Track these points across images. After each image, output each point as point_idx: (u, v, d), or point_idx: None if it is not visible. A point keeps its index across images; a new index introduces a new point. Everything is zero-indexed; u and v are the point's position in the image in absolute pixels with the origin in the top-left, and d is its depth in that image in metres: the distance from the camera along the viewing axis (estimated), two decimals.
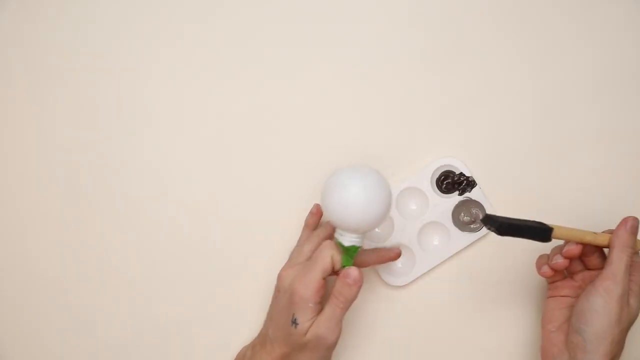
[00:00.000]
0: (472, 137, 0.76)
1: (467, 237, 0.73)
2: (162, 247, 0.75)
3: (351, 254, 0.65)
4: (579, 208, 0.75)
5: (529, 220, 0.65)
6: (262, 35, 0.76)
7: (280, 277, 0.68)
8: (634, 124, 0.75)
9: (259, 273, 0.74)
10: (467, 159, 0.75)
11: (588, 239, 0.65)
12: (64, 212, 0.76)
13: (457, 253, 0.74)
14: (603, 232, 0.67)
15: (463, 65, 0.76)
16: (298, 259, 0.69)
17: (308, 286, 0.64)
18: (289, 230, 0.74)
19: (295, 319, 0.64)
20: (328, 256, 0.64)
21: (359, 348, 0.74)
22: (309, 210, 0.73)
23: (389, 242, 0.74)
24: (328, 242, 0.65)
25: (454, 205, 0.74)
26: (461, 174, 0.74)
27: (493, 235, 0.74)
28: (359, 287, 0.64)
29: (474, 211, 0.74)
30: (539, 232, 0.64)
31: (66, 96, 0.77)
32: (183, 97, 0.77)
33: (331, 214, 0.64)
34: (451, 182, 0.74)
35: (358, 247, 0.65)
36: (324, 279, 0.64)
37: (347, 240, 0.65)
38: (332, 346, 0.64)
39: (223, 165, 0.76)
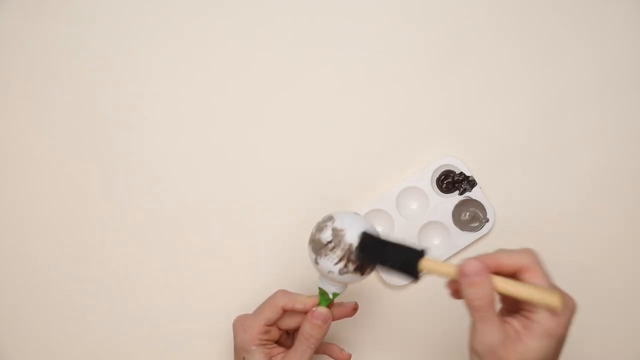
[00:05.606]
0: (472, 137, 0.76)
1: (468, 237, 0.73)
2: (162, 248, 0.75)
3: (331, 299, 0.64)
4: (578, 208, 0.75)
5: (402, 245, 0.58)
6: (262, 36, 0.76)
7: (233, 324, 0.67)
8: (634, 124, 0.75)
9: (259, 273, 0.74)
10: (467, 159, 0.75)
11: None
12: (63, 212, 0.76)
13: (457, 252, 0.73)
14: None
15: (463, 65, 0.76)
16: None
17: (247, 330, 0.64)
18: (295, 231, 0.73)
19: None
20: (277, 307, 0.64)
21: (359, 348, 0.74)
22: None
23: None
24: (280, 290, 0.65)
25: (454, 205, 0.74)
26: (461, 174, 0.74)
27: (494, 235, 0.74)
28: (329, 325, 0.64)
29: (474, 211, 0.74)
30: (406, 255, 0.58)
31: (66, 96, 0.77)
32: (183, 97, 0.76)
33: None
34: (451, 181, 0.74)
35: (339, 294, 0.64)
36: (267, 325, 0.64)
37: (332, 288, 0.63)
38: None
39: (223, 165, 0.76)
